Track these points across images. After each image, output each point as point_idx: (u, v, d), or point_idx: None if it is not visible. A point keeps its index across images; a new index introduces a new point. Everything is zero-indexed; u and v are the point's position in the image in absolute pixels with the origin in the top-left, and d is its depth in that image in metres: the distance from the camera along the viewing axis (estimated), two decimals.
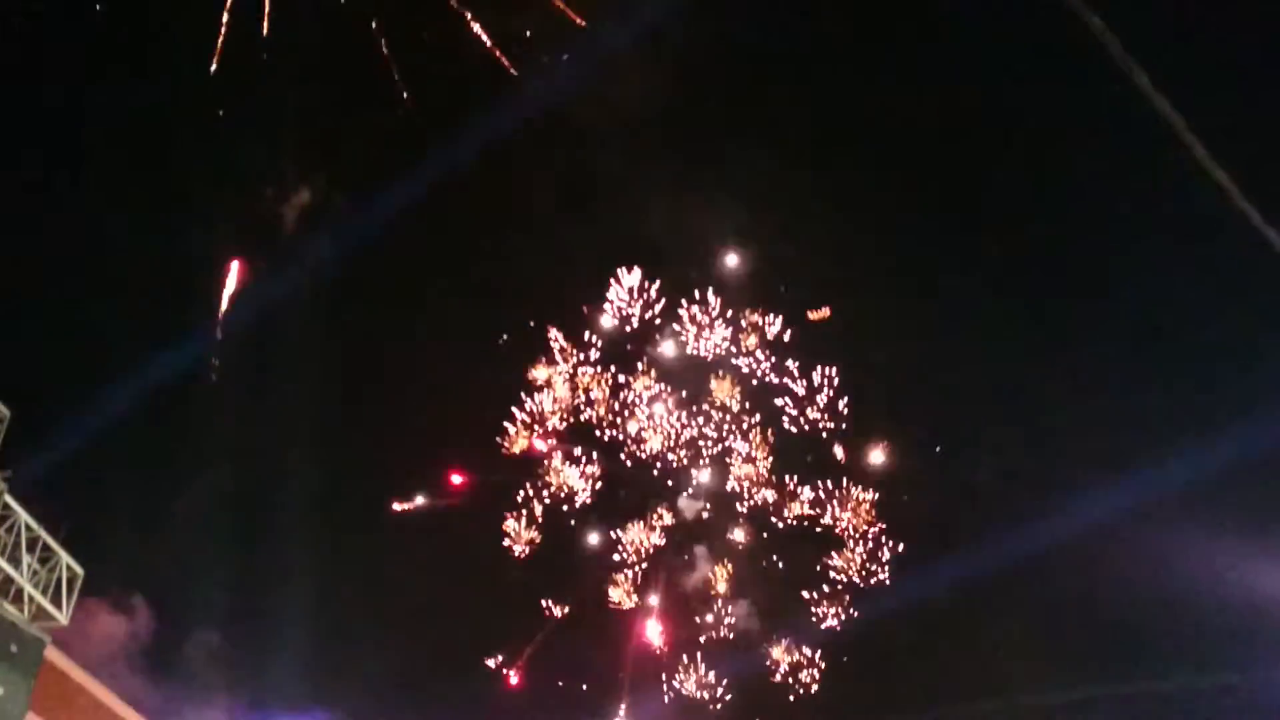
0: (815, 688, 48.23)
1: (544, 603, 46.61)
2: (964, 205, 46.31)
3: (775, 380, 48.59)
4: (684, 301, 47.50)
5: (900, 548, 48.27)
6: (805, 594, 48.17)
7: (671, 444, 47.76)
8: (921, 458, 48.59)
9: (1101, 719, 42.99)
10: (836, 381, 47.90)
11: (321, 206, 42.56)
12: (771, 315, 48.32)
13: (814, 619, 48.18)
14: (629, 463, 48.07)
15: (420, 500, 45.73)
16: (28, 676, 20.56)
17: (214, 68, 38.06)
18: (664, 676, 46.98)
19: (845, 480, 47.83)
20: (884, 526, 48.11)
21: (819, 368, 47.99)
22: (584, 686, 46.82)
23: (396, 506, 45.19)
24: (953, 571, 45.40)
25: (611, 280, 47.23)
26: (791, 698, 48.64)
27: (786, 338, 48.13)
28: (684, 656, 47.38)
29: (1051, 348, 44.80)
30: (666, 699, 46.47)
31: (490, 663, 45.86)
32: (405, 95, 40.87)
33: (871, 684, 47.70)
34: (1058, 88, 40.41)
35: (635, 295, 47.28)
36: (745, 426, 48.14)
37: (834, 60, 44.37)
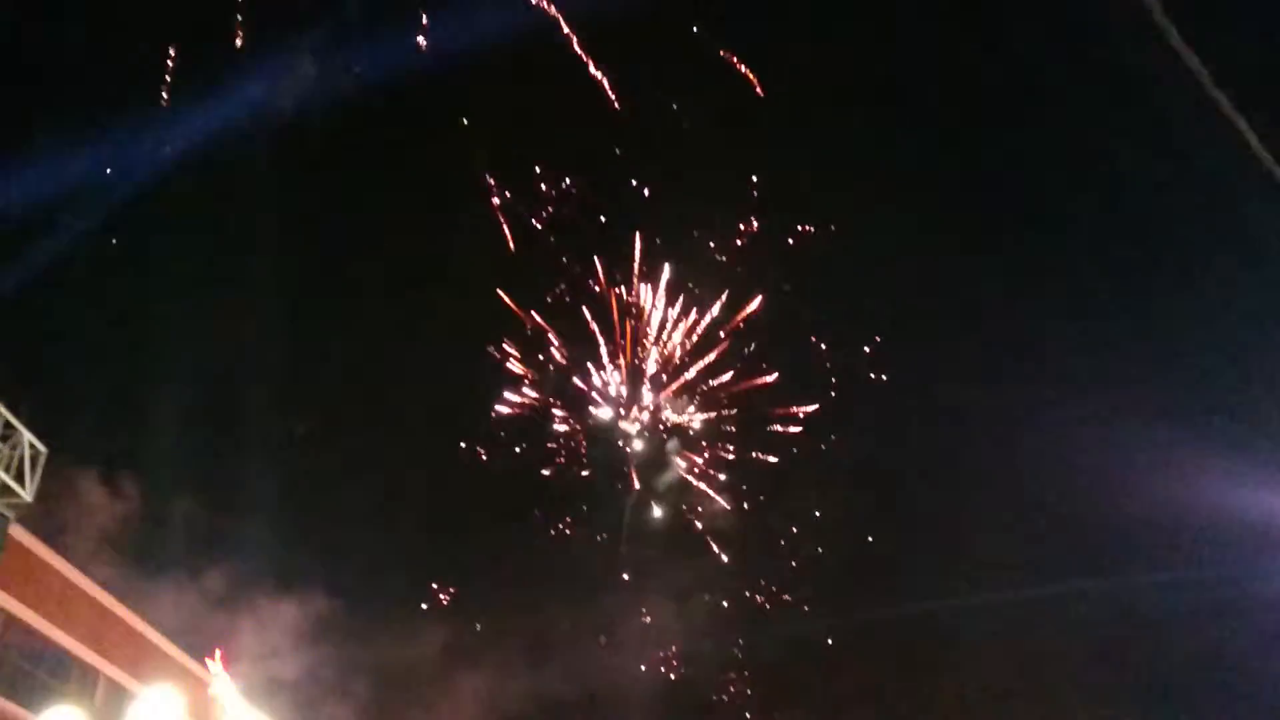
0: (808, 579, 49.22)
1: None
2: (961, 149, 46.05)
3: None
4: None
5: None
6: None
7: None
8: (901, 370, 49.14)
9: (1074, 612, 44.35)
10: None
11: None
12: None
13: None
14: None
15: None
16: None
17: None
18: None
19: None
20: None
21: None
22: None
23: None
24: (931, 478, 46.19)
25: None
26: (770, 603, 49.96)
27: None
28: None
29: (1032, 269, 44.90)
30: None
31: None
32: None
33: (850, 581, 48.87)
34: None
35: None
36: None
37: None
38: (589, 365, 49.67)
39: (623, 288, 48.82)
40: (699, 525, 49.96)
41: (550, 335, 48.68)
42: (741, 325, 49.40)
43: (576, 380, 49.68)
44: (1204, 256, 40.99)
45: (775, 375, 49.32)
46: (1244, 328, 38.09)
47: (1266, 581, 36.14)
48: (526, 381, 48.75)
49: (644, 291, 49.31)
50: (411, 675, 39.23)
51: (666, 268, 49.03)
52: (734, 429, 49.62)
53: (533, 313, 48.30)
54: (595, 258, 48.90)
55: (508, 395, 48.72)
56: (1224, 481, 35.02)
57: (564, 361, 49.75)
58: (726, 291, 48.70)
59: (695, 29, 44.84)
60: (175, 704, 23.68)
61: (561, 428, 49.62)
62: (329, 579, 34.96)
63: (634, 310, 49.32)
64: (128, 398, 36.45)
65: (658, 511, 50.19)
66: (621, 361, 49.58)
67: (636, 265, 48.98)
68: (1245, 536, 35.00)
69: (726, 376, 49.61)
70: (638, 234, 48.79)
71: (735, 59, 43.85)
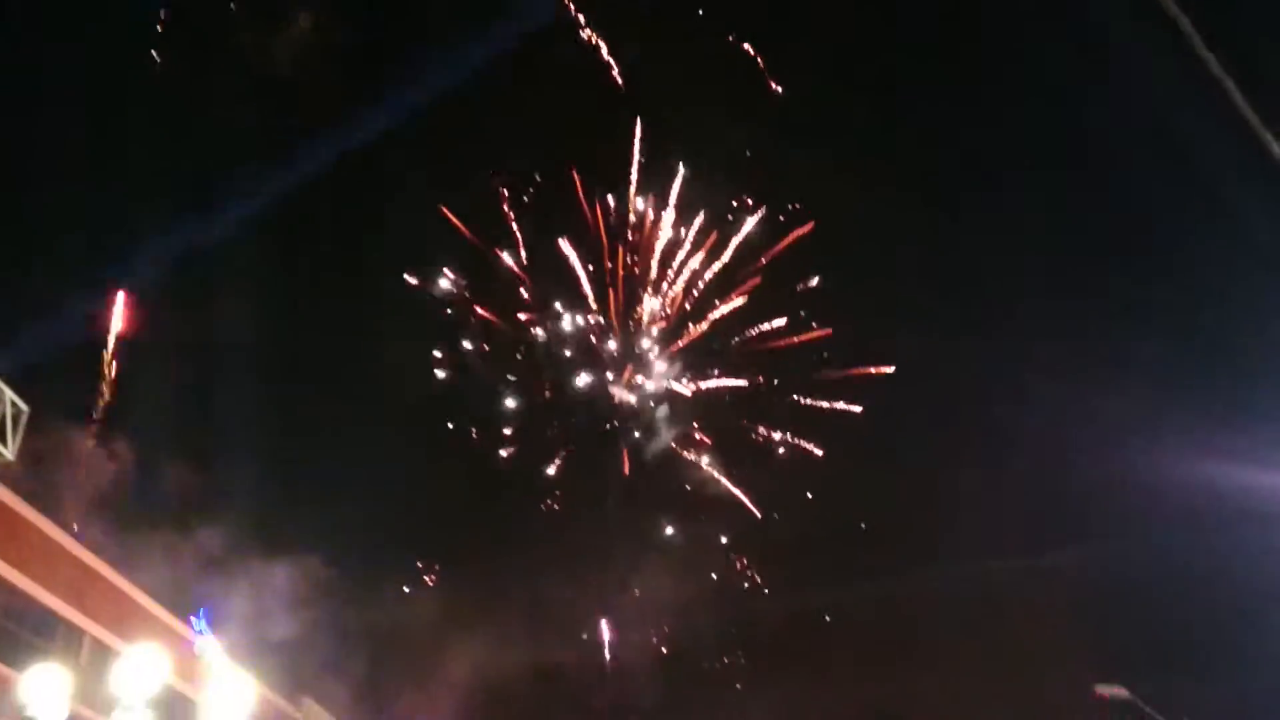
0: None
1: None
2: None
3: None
4: None
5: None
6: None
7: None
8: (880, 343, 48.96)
9: (1067, 582, 44.52)
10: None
11: None
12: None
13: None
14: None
15: None
16: None
17: None
18: None
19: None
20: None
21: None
22: None
23: None
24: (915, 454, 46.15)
25: None
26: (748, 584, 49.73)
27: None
28: None
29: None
30: None
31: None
32: None
33: (844, 554, 48.93)
34: None
35: None
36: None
37: None
38: (563, 310, 43.29)
39: (613, 199, 41.22)
40: (698, 515, 49.30)
41: (506, 258, 41.73)
42: (781, 251, 43.76)
43: (539, 331, 43.70)
44: (1196, 227, 40.92)
45: (829, 330, 43.61)
46: (1236, 303, 38.08)
47: (1256, 552, 36.36)
48: (480, 321, 43.47)
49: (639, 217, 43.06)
50: (397, 640, 39.26)
51: (680, 170, 41.53)
52: (731, 404, 48.94)
53: (498, 251, 42.35)
54: (573, 169, 41.59)
55: (452, 351, 43.04)
56: (1218, 455, 35.18)
57: (527, 313, 45.15)
58: (764, 208, 42.34)
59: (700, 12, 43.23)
60: (160, 663, 23.63)
61: (513, 404, 45.19)
62: (315, 543, 34.98)
63: (631, 231, 43.47)
64: (114, 360, 36.38)
65: (652, 491, 49.30)
66: (611, 300, 44.25)
67: (636, 161, 42.32)
68: (1237, 508, 35.19)
69: (770, 327, 44.48)
70: (638, 120, 41.18)
71: (743, 44, 41.83)
